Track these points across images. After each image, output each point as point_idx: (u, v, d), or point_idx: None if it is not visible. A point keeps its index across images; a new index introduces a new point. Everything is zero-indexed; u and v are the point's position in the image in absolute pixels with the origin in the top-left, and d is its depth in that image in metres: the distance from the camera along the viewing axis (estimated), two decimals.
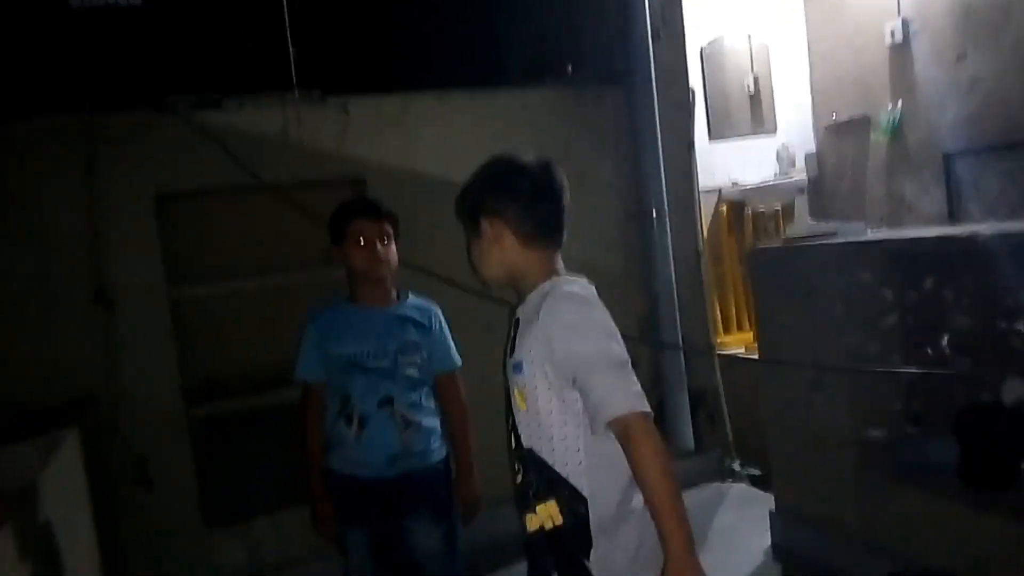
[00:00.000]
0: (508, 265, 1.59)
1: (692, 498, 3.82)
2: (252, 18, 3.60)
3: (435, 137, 3.62)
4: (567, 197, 1.60)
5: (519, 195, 1.56)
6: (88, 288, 3.11)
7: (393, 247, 2.29)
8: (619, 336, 1.50)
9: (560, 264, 1.61)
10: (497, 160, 1.63)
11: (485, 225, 1.57)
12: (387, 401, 2.25)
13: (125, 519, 3.10)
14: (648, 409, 1.42)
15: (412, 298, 2.38)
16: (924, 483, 2.69)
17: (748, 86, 5.66)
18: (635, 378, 1.45)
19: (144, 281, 3.19)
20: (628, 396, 1.41)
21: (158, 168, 3.22)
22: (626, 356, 1.47)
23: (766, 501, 3.44)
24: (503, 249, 1.57)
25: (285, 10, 3.34)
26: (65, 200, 3.09)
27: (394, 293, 2.35)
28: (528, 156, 1.61)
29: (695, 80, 4.92)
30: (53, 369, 3.05)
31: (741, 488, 3.95)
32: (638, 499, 1.45)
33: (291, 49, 3.34)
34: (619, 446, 1.42)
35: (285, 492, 3.32)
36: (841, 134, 5.66)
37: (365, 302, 2.31)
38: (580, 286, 1.56)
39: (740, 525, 3.52)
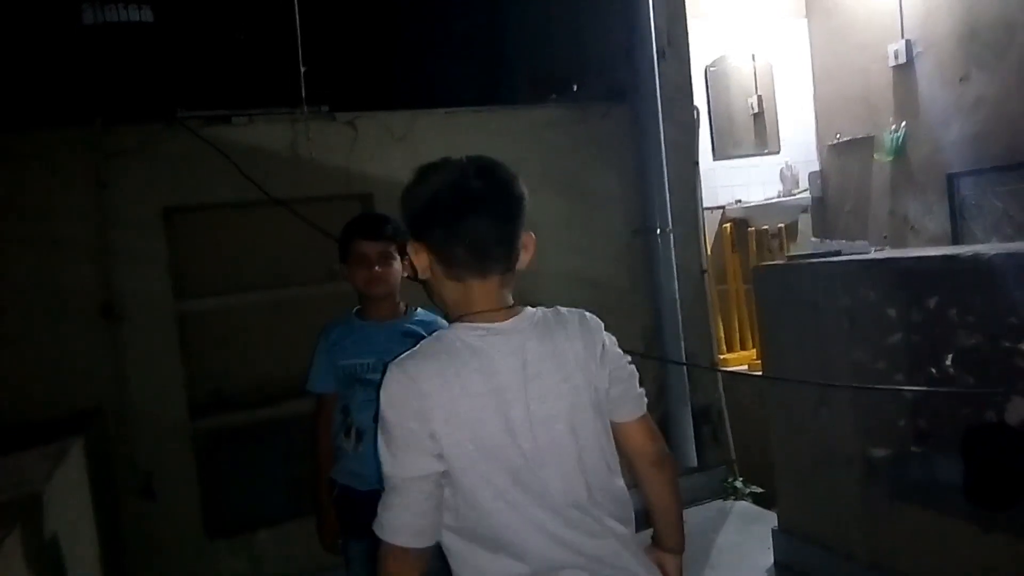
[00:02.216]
0: (441, 301, 1.38)
1: (694, 516, 3.85)
2: (262, 35, 3.65)
3: (441, 153, 3.54)
4: (503, 208, 1.33)
5: (422, 209, 1.35)
6: (96, 300, 3.13)
7: (396, 266, 2.30)
8: (422, 415, 1.27)
9: (499, 298, 1.34)
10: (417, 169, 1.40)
11: (409, 251, 1.37)
12: None
13: (129, 530, 3.11)
14: (398, 542, 1.31)
15: (420, 312, 2.39)
16: (929, 502, 2.68)
17: (752, 105, 5.71)
18: (394, 502, 1.30)
19: (151, 294, 3.21)
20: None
21: (167, 182, 3.25)
22: (395, 473, 1.29)
23: (769, 519, 3.44)
24: (435, 281, 1.36)
25: (297, 27, 3.38)
26: (74, 212, 3.12)
27: (402, 307, 2.36)
28: (457, 159, 1.38)
29: (699, 99, 4.96)
30: (60, 380, 3.06)
31: (744, 506, 3.94)
32: None
33: (301, 66, 3.38)
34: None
35: (288, 505, 3.33)
36: (844, 154, 5.70)
37: (371, 316, 2.33)
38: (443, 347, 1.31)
39: (743, 543, 3.51)
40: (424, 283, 1.40)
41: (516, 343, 1.33)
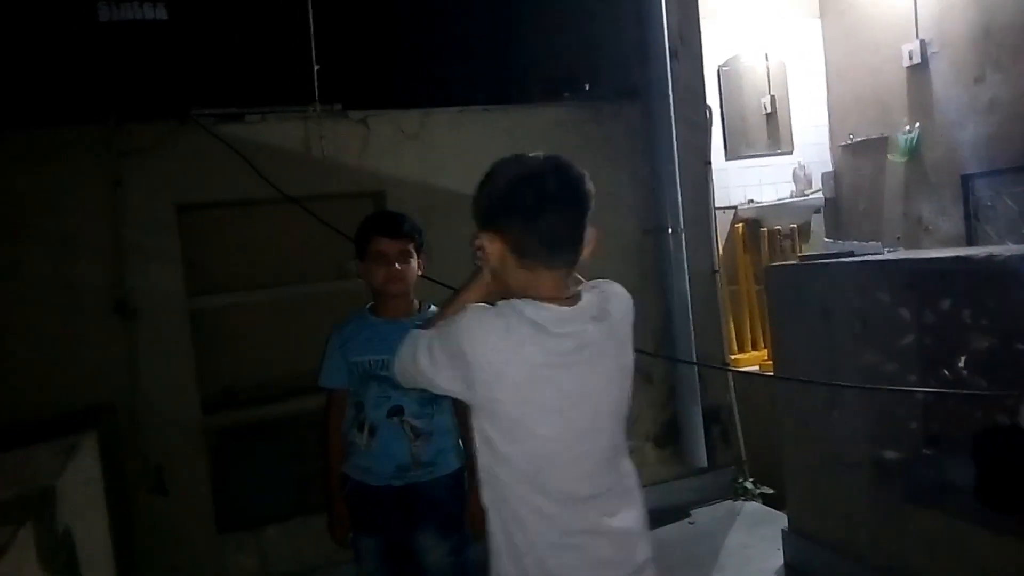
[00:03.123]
0: (507, 287, 1.46)
1: (704, 516, 3.86)
2: (276, 33, 3.66)
3: (452, 151, 3.65)
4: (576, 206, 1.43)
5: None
6: (109, 296, 3.15)
7: (413, 264, 2.31)
8: (470, 367, 1.39)
9: (564, 286, 1.45)
10: (501, 164, 1.47)
11: (484, 240, 1.44)
12: (396, 411, 2.27)
13: (140, 524, 3.13)
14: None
15: (434, 310, 2.39)
16: (940, 505, 2.67)
17: (765, 105, 5.69)
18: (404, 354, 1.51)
19: (164, 290, 3.23)
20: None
21: (181, 179, 3.27)
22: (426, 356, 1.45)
23: (779, 520, 3.44)
24: (504, 268, 1.44)
25: (311, 26, 3.40)
26: (88, 209, 3.14)
27: (416, 304, 2.37)
28: (532, 156, 1.46)
29: (712, 98, 4.95)
30: (73, 376, 3.09)
31: (754, 507, 3.93)
32: None
33: (314, 64, 3.39)
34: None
35: (297, 501, 3.35)
36: (858, 154, 5.67)
37: (385, 314, 2.34)
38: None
39: (752, 544, 3.50)
40: (492, 271, 1.48)
41: (578, 327, 1.42)
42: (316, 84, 3.41)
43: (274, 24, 3.73)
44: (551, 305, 1.41)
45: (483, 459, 1.44)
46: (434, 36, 4.59)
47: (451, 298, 1.56)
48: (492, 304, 1.45)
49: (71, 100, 3.21)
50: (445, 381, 1.42)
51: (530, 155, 1.46)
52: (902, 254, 3.25)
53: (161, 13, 3.46)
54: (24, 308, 3.05)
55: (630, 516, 1.47)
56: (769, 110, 5.69)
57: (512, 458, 1.40)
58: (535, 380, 1.38)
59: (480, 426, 1.42)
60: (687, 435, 3.97)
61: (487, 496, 1.45)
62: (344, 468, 2.35)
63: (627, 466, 1.51)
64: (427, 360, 1.43)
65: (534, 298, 1.41)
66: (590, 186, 1.46)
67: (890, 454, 2.83)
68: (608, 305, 1.48)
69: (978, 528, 2.48)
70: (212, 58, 3.63)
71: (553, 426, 1.40)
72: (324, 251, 3.38)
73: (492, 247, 1.42)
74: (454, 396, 1.45)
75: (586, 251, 1.46)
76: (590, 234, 1.45)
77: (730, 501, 3.99)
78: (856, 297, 2.87)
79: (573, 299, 1.44)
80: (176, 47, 3.51)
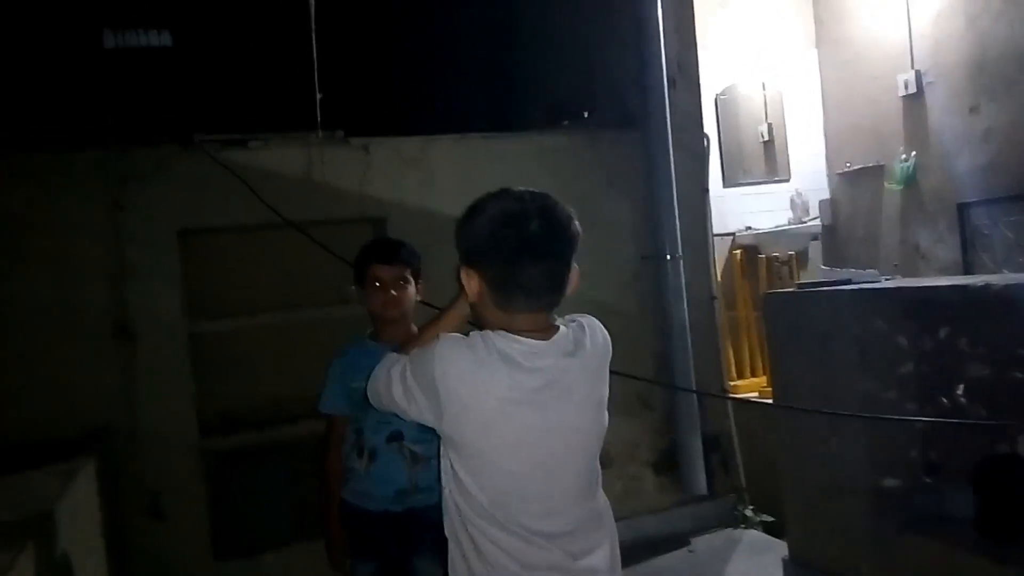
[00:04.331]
0: (485, 321, 1.46)
1: (704, 544, 3.83)
2: (279, 60, 3.69)
3: (453, 178, 3.68)
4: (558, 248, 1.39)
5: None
6: (109, 319, 3.16)
7: (411, 290, 2.33)
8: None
9: (541, 323, 1.42)
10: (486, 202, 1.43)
11: (462, 275, 1.43)
12: (396, 436, 2.27)
13: (137, 550, 3.11)
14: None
15: None
16: (939, 534, 2.66)
17: (762, 133, 5.72)
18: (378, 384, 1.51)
19: (164, 314, 3.24)
20: None
21: (182, 204, 3.29)
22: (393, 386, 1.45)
23: (779, 548, 3.42)
24: (482, 305, 1.44)
25: (314, 53, 3.43)
26: (91, 232, 3.16)
27: (414, 330, 2.38)
28: (517, 193, 1.41)
29: (710, 127, 4.99)
30: (72, 399, 3.09)
31: (754, 535, 3.91)
32: None
33: (317, 92, 3.42)
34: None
35: (296, 526, 3.32)
36: (855, 182, 5.70)
37: (384, 339, 2.35)
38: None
39: (752, 572, 3.49)
40: (472, 306, 1.48)
41: (550, 361, 1.40)
42: (318, 111, 3.44)
43: (277, 51, 3.76)
44: (524, 338, 1.39)
45: (447, 489, 1.44)
46: (435, 64, 4.64)
47: (432, 320, 1.57)
48: (467, 330, 1.45)
49: (75, 124, 3.24)
50: (416, 411, 1.42)
51: (517, 191, 1.40)
52: (899, 282, 3.26)
53: (165, 39, 3.50)
54: (24, 330, 3.06)
55: (598, 555, 1.44)
56: (766, 138, 5.73)
57: (474, 491, 1.38)
58: (501, 415, 1.36)
59: (446, 456, 1.42)
60: (686, 462, 3.96)
61: (448, 525, 1.45)
62: (343, 493, 2.35)
63: (600, 501, 1.48)
64: (400, 389, 1.43)
65: (508, 330, 1.39)
66: (576, 228, 1.40)
67: (889, 482, 2.83)
68: (584, 338, 1.45)
69: (977, 558, 2.48)
70: (215, 84, 3.66)
71: (517, 461, 1.38)
72: (325, 276, 3.39)
73: (471, 284, 1.41)
74: (426, 424, 1.43)
75: (568, 289, 1.43)
76: (573, 273, 1.42)
77: (730, 529, 3.97)
78: (854, 325, 2.88)
79: (549, 332, 1.42)
80: (180, 73, 3.54)
